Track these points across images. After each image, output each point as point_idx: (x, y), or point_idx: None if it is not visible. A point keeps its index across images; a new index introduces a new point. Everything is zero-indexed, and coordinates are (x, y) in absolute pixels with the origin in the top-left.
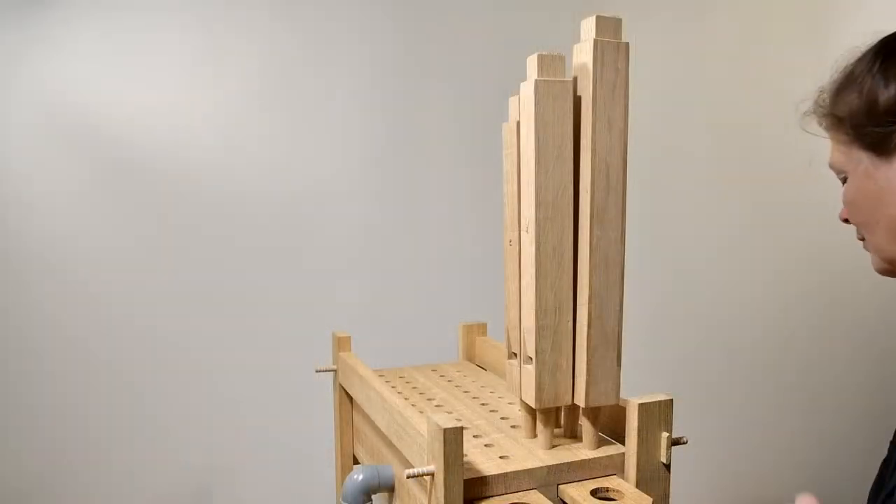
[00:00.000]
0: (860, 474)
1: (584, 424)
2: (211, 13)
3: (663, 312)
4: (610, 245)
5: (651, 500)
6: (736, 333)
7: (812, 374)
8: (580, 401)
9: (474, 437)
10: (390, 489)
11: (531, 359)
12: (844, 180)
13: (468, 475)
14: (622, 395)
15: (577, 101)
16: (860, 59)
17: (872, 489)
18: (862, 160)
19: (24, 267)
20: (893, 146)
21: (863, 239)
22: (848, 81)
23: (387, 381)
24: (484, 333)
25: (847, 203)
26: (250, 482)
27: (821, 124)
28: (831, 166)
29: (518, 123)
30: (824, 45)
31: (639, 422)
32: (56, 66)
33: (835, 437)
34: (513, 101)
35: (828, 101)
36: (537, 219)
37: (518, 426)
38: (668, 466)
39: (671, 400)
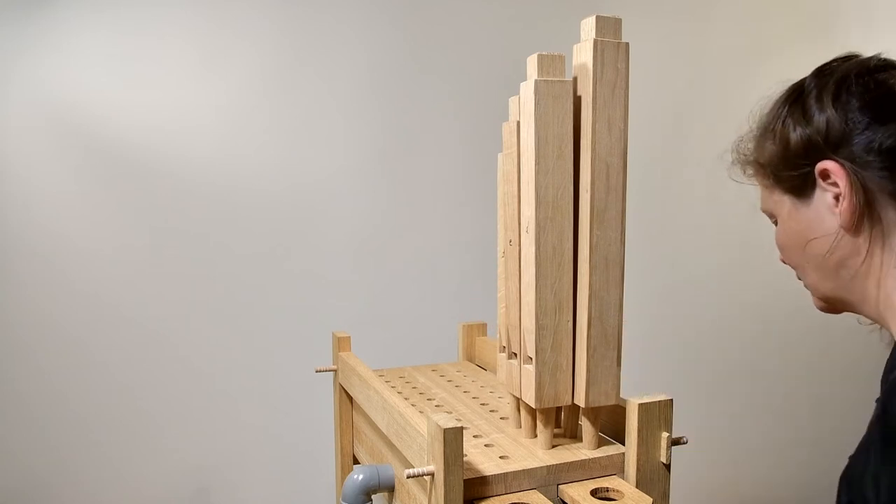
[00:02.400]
0: None
1: (584, 424)
2: (211, 13)
3: (663, 312)
4: (610, 245)
5: (651, 500)
6: (736, 333)
7: (812, 373)
8: (580, 401)
9: (474, 437)
10: (390, 489)
11: (531, 359)
12: (776, 223)
13: (468, 475)
14: (622, 395)
15: (577, 101)
16: (773, 105)
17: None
18: (785, 203)
19: (23, 267)
20: (809, 188)
21: (800, 278)
22: (764, 128)
23: (387, 381)
24: (484, 333)
25: (779, 246)
26: (250, 482)
27: (744, 172)
28: (763, 211)
29: (518, 123)
30: (825, 45)
31: (639, 422)
32: (55, 66)
33: (835, 437)
34: (513, 101)
35: (751, 148)
36: (537, 219)
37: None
38: (668, 466)
39: (671, 400)
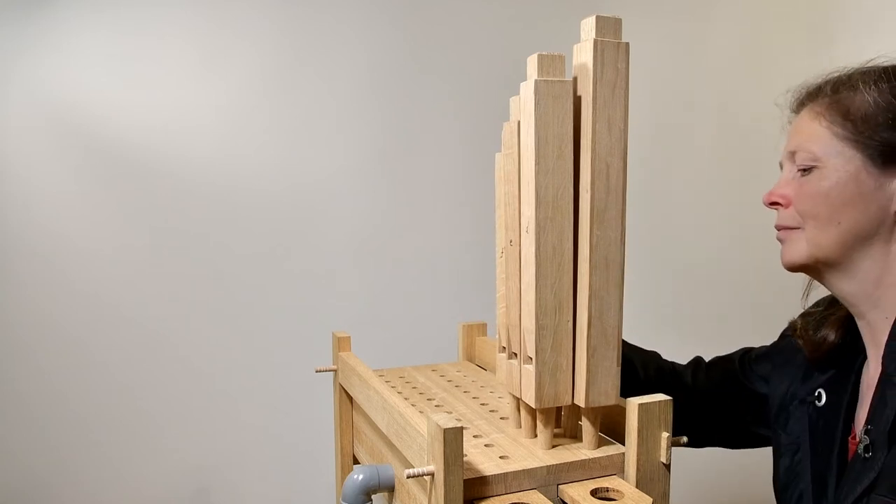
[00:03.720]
0: None
1: (584, 424)
2: (211, 13)
3: (663, 312)
4: (610, 245)
5: (651, 500)
6: (736, 333)
7: None
8: (580, 401)
9: (474, 437)
10: (390, 489)
11: (531, 359)
12: (806, 169)
13: (468, 475)
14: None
15: (577, 101)
16: (880, 74)
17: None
18: (855, 161)
19: (23, 267)
20: (890, 163)
21: (785, 228)
22: (867, 78)
23: (387, 381)
24: (484, 333)
25: (810, 193)
26: (250, 482)
27: (814, 111)
28: (805, 149)
29: (518, 123)
30: (826, 45)
31: (639, 422)
32: (55, 66)
33: None
34: (513, 101)
35: (834, 90)
36: (537, 219)
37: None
38: (668, 466)
39: (671, 400)
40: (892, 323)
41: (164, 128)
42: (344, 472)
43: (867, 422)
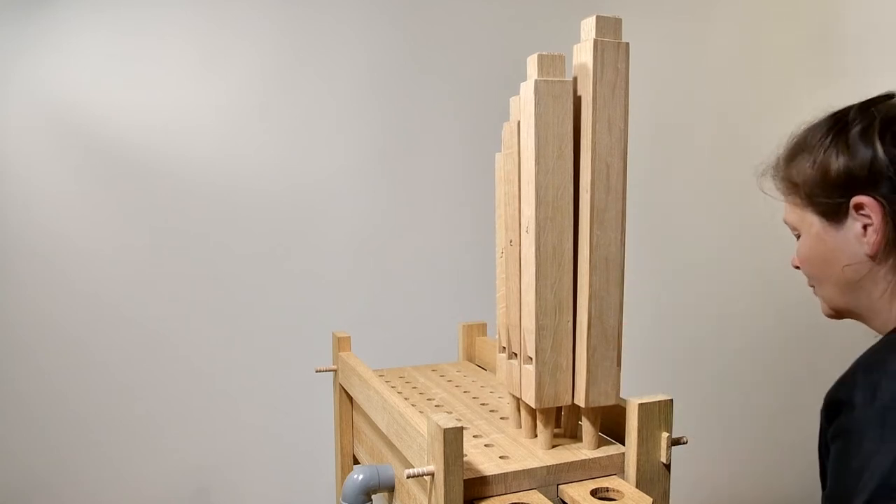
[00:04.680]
0: None
1: (584, 424)
2: (211, 13)
3: (663, 312)
4: (610, 245)
5: (651, 500)
6: (736, 333)
7: (812, 373)
8: (580, 401)
9: (474, 437)
10: (390, 489)
11: (531, 359)
12: (798, 236)
13: (468, 475)
14: (622, 394)
15: (577, 101)
16: (814, 130)
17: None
18: (814, 224)
19: (23, 267)
20: (842, 215)
21: (812, 287)
22: (801, 150)
23: (387, 381)
24: (484, 333)
25: (800, 258)
26: (250, 482)
27: (776, 187)
28: (786, 222)
29: (518, 123)
30: (825, 46)
31: (639, 422)
32: (55, 66)
33: None
34: (513, 101)
35: (782, 166)
36: (537, 219)
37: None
38: (668, 466)
39: (671, 400)
40: None
41: (164, 128)
42: (344, 472)
43: None
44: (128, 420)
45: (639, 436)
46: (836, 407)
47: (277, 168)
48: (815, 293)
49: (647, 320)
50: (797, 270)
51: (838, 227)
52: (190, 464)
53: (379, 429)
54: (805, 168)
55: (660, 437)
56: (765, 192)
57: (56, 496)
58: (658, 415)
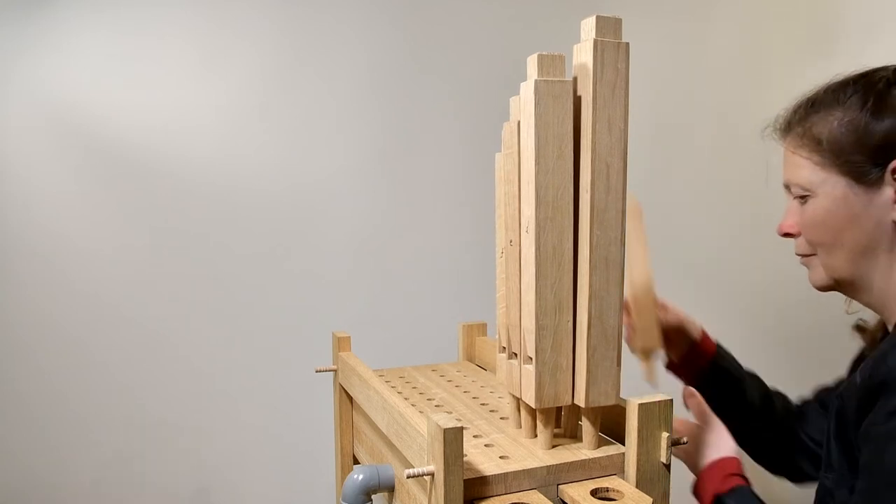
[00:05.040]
0: None
1: (584, 424)
2: (211, 13)
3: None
4: (610, 245)
5: (651, 500)
6: (736, 333)
7: (812, 373)
8: (580, 401)
9: (474, 437)
10: (390, 489)
11: (531, 359)
12: (802, 198)
13: (468, 475)
14: (622, 395)
15: (577, 101)
16: (840, 87)
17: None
18: (838, 185)
19: (23, 267)
20: (875, 179)
21: (806, 255)
22: (826, 105)
23: (387, 381)
24: (484, 333)
25: (810, 222)
26: (250, 482)
27: (790, 142)
28: (794, 182)
29: (518, 123)
30: (827, 46)
31: (639, 422)
32: (55, 66)
33: None
34: (513, 101)
35: (803, 120)
36: (537, 219)
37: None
38: (668, 466)
39: (671, 400)
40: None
41: (164, 128)
42: (344, 472)
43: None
44: (128, 420)
45: (639, 436)
46: (885, 388)
47: (278, 168)
48: (806, 262)
49: None
50: (789, 245)
51: (868, 191)
52: (190, 464)
53: (379, 429)
54: (833, 125)
55: (660, 437)
56: (782, 143)
57: (56, 496)
58: (658, 415)
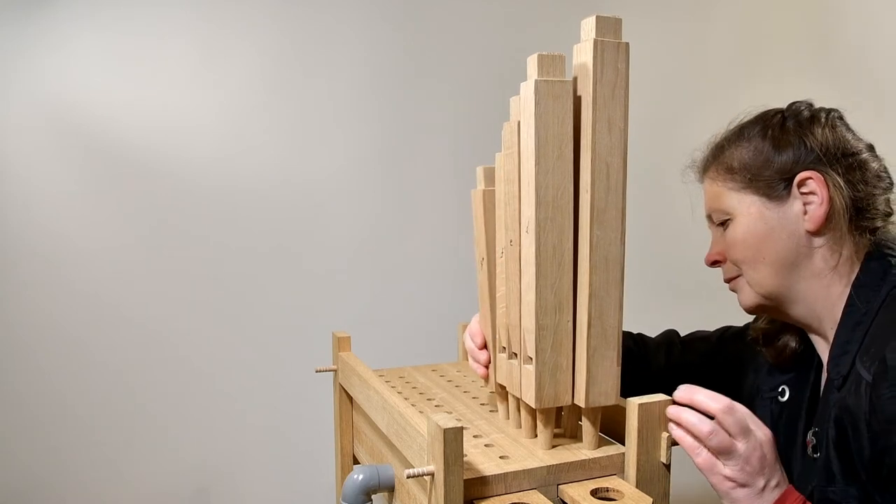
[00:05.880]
0: None
1: (584, 424)
2: (211, 13)
3: (663, 312)
4: (610, 245)
5: (651, 500)
6: None
7: None
8: (580, 401)
9: (474, 437)
10: (390, 489)
11: (531, 359)
12: (723, 224)
13: (468, 475)
14: (622, 394)
15: (577, 101)
16: (748, 124)
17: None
18: (754, 203)
19: (23, 267)
20: (784, 194)
21: (731, 279)
22: (738, 139)
23: (387, 381)
24: None
25: (732, 242)
26: (250, 482)
27: (710, 176)
28: (715, 209)
29: (518, 123)
30: (825, 46)
31: (639, 422)
32: (55, 66)
33: None
34: (514, 101)
35: (717, 156)
36: (537, 219)
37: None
38: (668, 466)
39: (671, 400)
40: (834, 334)
41: (165, 128)
42: (344, 472)
43: (815, 424)
44: (128, 420)
45: (639, 436)
46: None
47: (278, 168)
48: (734, 286)
49: (646, 320)
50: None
51: (780, 206)
52: (190, 464)
53: (379, 429)
54: (742, 153)
55: (660, 437)
56: (701, 181)
57: (56, 496)
58: (658, 415)
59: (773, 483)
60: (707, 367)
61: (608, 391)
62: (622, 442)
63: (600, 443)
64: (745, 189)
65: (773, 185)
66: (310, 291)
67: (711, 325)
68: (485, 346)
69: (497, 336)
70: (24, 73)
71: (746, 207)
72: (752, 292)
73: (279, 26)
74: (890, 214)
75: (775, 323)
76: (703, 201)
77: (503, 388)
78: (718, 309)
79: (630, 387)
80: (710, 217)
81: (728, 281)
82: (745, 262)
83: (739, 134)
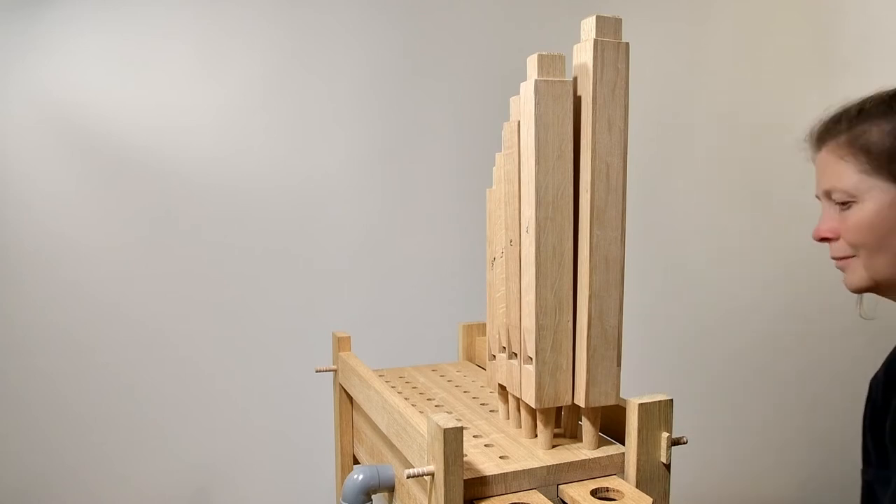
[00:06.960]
0: (858, 474)
1: (584, 424)
2: (211, 13)
3: (663, 312)
4: (610, 245)
5: (651, 500)
6: (736, 333)
7: (811, 373)
8: (580, 401)
9: (474, 437)
10: (390, 489)
11: (531, 359)
12: (844, 203)
13: (468, 475)
14: (622, 394)
15: (577, 101)
16: (892, 99)
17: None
18: (888, 190)
19: (23, 267)
20: None
21: (842, 259)
22: (874, 116)
23: (387, 381)
24: (484, 333)
25: (856, 226)
26: (250, 482)
27: (834, 150)
28: (838, 189)
29: (518, 123)
30: (826, 46)
31: (639, 422)
32: (55, 66)
33: (833, 437)
34: (513, 101)
35: (849, 128)
36: (537, 219)
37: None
38: (668, 466)
39: (671, 400)
40: None
41: (165, 127)
42: (344, 472)
43: None
44: (128, 420)
45: (639, 436)
46: None
47: (278, 168)
48: (843, 265)
49: (646, 320)
50: (818, 250)
51: None
52: (190, 464)
53: (379, 429)
54: (883, 134)
55: (660, 437)
56: (817, 152)
57: (56, 496)
58: (658, 415)
59: None
60: None
61: (608, 391)
62: (622, 442)
63: (600, 443)
64: (880, 174)
65: None
66: (310, 291)
67: (712, 325)
68: None
69: (498, 335)
70: (25, 73)
71: (880, 193)
72: (866, 276)
73: (279, 26)
74: None
75: None
76: (819, 172)
77: (503, 388)
78: (719, 308)
79: None
80: (828, 193)
81: (837, 259)
82: (865, 247)
83: (884, 108)
